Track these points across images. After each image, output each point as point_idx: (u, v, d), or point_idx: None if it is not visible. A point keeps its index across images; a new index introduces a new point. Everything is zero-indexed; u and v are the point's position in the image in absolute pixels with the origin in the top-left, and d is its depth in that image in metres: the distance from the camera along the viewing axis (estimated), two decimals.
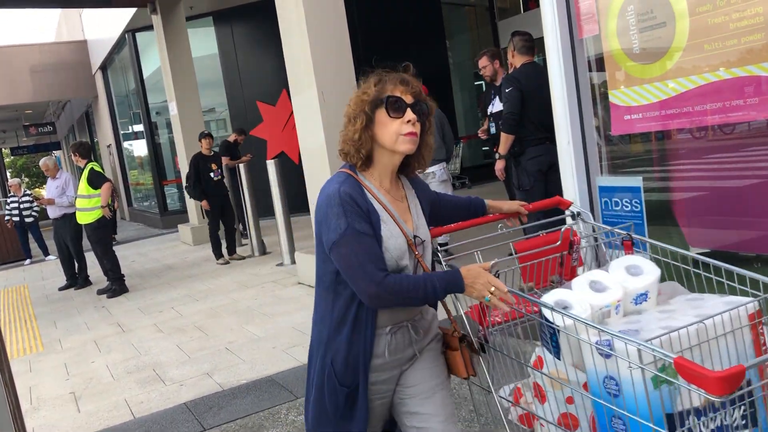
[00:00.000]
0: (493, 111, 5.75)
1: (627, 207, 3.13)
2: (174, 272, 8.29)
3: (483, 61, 5.94)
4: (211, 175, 8.19)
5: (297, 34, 5.84)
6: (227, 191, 8.49)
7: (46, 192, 8.33)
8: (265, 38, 12.01)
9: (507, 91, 4.98)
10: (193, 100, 10.65)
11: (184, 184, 8.51)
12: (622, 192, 3.13)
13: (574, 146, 3.25)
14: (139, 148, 16.48)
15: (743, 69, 2.50)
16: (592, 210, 3.32)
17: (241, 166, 8.38)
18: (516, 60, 5.21)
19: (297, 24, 5.81)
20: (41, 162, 8.33)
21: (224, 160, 8.88)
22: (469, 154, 13.42)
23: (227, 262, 8.22)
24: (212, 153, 8.37)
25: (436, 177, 6.06)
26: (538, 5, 3.29)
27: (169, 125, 13.20)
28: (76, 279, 8.26)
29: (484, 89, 13.69)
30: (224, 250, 8.41)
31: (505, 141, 5.01)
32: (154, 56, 12.79)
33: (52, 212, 8.04)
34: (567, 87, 3.20)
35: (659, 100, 2.86)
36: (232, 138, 10.02)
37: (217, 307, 5.98)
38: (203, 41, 12.81)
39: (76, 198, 7.50)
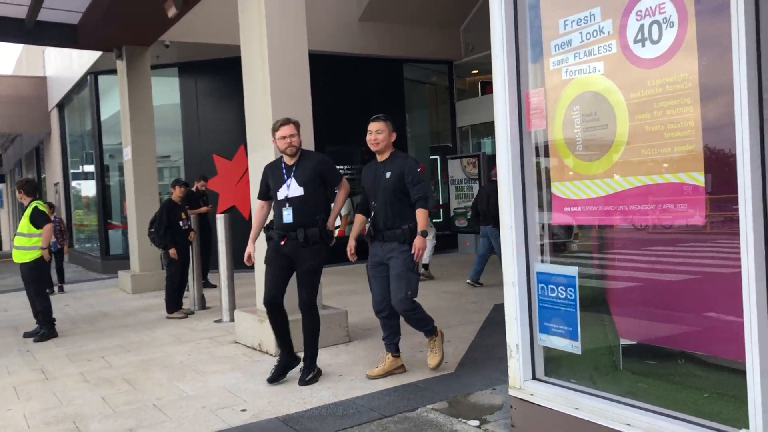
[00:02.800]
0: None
1: (562, 294, 3.24)
2: (108, 320, 8.04)
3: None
4: (180, 223, 8.08)
5: (260, 93, 5.96)
6: (191, 242, 8.33)
7: None
8: (227, 93, 12.15)
9: (419, 170, 4.65)
10: (148, 146, 10.59)
11: (148, 229, 8.30)
12: (558, 279, 3.25)
13: (516, 231, 3.38)
14: (87, 189, 16.17)
15: (675, 176, 2.68)
16: (529, 294, 3.42)
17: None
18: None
19: (261, 83, 5.93)
20: None
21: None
22: None
23: (186, 316, 7.95)
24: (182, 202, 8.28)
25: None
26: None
27: (120, 168, 13.06)
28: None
29: (439, 163, 14.09)
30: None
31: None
32: (114, 100, 12.76)
33: None
34: (513, 174, 3.35)
35: (598, 196, 3.03)
36: (194, 186, 9.96)
37: (149, 360, 5.82)
38: (166, 90, 12.86)
39: (15, 235, 7.27)
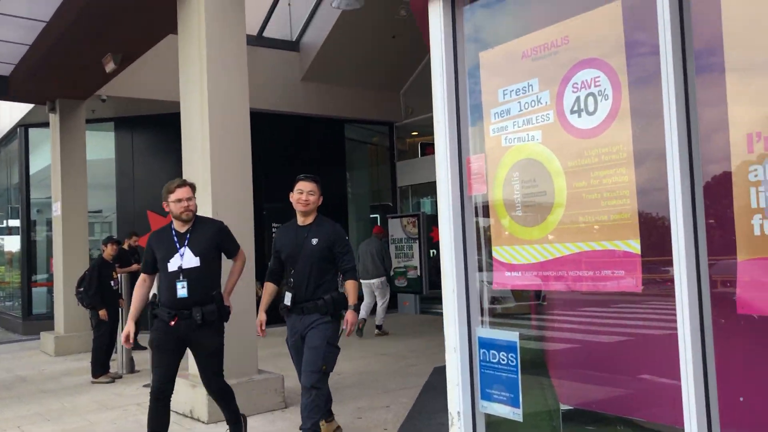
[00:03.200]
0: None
1: (504, 360, 3.21)
2: (27, 386, 7.55)
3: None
4: (111, 283, 7.74)
5: (199, 152, 5.87)
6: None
7: None
8: (164, 149, 11.95)
9: (347, 239, 4.56)
10: (79, 203, 10.24)
11: (76, 288, 7.91)
12: (499, 345, 3.23)
13: (458, 295, 3.36)
14: (11, 244, 15.42)
15: (611, 243, 2.73)
16: (470, 359, 3.38)
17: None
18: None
19: (201, 143, 5.84)
20: None
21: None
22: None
23: (113, 380, 7.52)
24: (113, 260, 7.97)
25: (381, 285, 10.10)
26: (434, 151, 3.50)
27: (48, 223, 12.56)
28: None
29: (379, 221, 14.14)
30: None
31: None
32: (45, 153, 12.36)
33: None
34: (455, 238, 3.36)
35: (537, 261, 3.05)
36: (125, 243, 9.63)
37: (70, 429, 5.45)
38: (101, 144, 12.55)
39: None
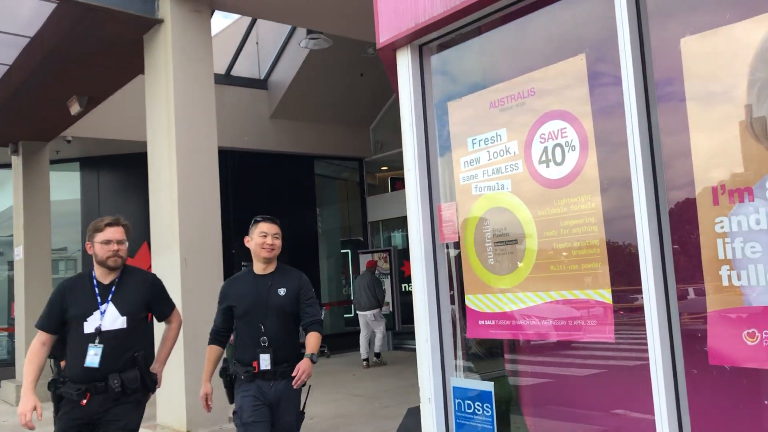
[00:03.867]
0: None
1: (479, 410, 3.19)
2: None
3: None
4: None
5: (167, 194, 5.80)
6: None
7: None
8: (130, 188, 11.81)
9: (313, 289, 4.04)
10: (43, 245, 10.02)
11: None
12: (474, 395, 3.20)
13: (432, 345, 3.33)
14: None
15: (583, 292, 2.74)
16: (446, 408, 3.35)
17: None
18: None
19: (168, 185, 5.78)
20: None
21: None
22: (331, 321, 13.40)
23: None
24: None
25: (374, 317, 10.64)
26: (404, 186, 3.51)
27: (9, 263, 12.25)
28: None
29: (350, 256, 14.07)
30: None
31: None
32: (6, 194, 12.10)
33: None
34: (427, 287, 3.34)
35: (510, 310, 3.04)
36: None
37: None
38: (66, 184, 12.34)
39: None
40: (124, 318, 3.44)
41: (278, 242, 3.78)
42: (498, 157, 3.07)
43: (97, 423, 3.38)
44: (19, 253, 9.99)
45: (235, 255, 11.70)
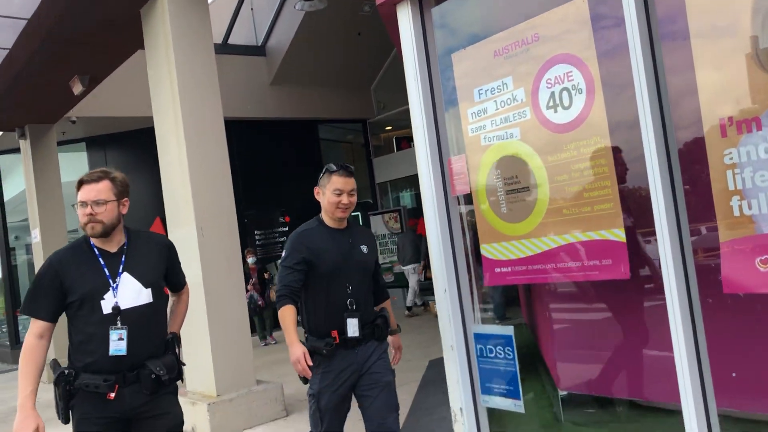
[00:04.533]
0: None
1: (501, 354, 3.28)
2: None
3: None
4: None
5: (178, 170, 5.85)
6: None
7: None
8: (139, 165, 11.86)
9: None
10: (58, 226, 10.14)
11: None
12: (496, 340, 3.29)
13: (450, 295, 3.41)
14: None
15: (597, 233, 2.79)
16: (468, 356, 3.44)
17: None
18: None
19: (177, 158, 5.83)
20: None
21: None
22: None
23: None
24: None
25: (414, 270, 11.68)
26: (410, 145, 3.55)
27: (27, 248, 12.43)
28: None
29: (360, 219, 14.16)
30: None
31: None
32: (17, 178, 12.21)
33: None
34: (442, 239, 3.41)
35: (525, 256, 3.11)
36: None
37: None
38: (74, 165, 12.43)
39: None
40: (149, 291, 2.82)
41: (354, 199, 3.30)
42: (505, 105, 3.09)
43: (133, 421, 2.80)
44: (36, 235, 10.12)
45: (247, 223, 11.83)
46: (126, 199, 2.90)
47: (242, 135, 11.95)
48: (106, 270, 2.79)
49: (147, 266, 2.89)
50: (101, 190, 2.80)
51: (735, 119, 2.29)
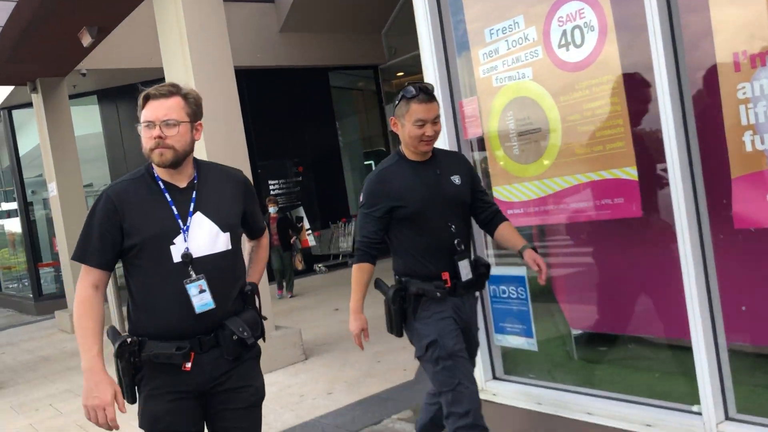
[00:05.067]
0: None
1: (513, 295, 3.33)
2: (51, 364, 7.74)
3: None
4: None
5: None
6: None
7: None
8: None
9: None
10: (74, 180, 10.24)
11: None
12: (509, 281, 3.34)
13: None
14: (11, 227, 15.49)
15: (609, 172, 2.80)
16: (481, 297, 3.50)
17: None
18: None
19: None
20: None
21: None
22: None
23: None
24: None
25: None
26: None
27: (45, 202, 12.60)
28: None
29: (374, 167, 14.16)
30: None
31: None
32: (31, 133, 12.28)
33: None
34: None
35: (538, 197, 3.13)
36: None
37: None
38: (87, 119, 12.47)
39: None
40: (227, 235, 2.25)
41: (439, 127, 2.71)
42: (517, 45, 3.06)
43: (210, 395, 2.25)
44: (53, 189, 10.24)
45: (260, 174, 11.87)
46: (200, 122, 2.31)
47: (252, 84, 11.88)
48: (174, 208, 2.20)
49: (223, 206, 2.29)
50: (172, 107, 2.23)
51: (749, 53, 2.27)
